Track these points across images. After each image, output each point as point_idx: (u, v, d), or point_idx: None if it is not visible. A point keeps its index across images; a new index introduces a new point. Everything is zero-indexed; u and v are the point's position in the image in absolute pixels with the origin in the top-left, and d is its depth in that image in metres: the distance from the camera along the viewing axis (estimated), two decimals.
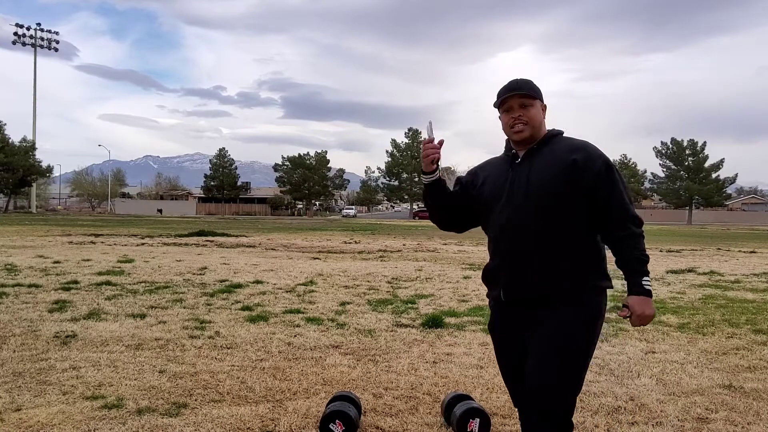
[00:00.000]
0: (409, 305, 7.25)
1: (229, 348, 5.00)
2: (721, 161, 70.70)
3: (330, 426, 3.18)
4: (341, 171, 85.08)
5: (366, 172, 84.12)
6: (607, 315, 5.86)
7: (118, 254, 13.34)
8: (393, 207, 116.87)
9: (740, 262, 14.56)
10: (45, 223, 32.23)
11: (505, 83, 2.36)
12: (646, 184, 76.90)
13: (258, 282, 9.05)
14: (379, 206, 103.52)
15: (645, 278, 2.18)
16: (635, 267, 2.18)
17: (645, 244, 2.23)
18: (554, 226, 2.21)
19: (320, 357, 4.79)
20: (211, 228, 26.94)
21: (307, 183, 79.25)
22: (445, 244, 19.37)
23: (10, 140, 62.11)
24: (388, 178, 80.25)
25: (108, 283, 8.55)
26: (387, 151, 79.84)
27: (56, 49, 75.96)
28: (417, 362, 4.70)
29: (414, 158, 78.14)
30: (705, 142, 70.47)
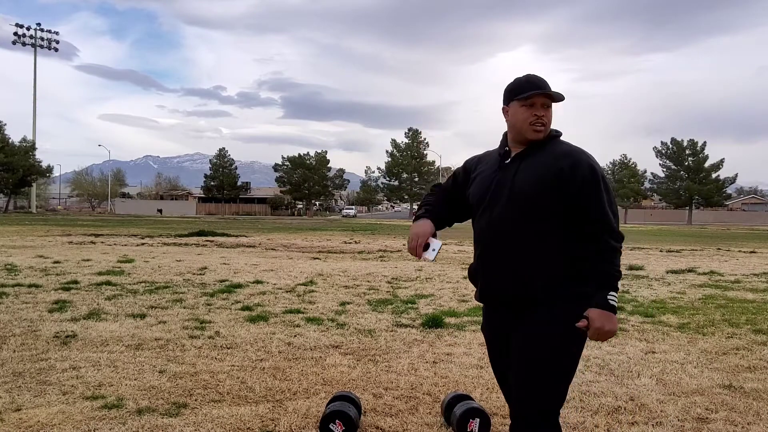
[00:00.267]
0: (409, 305, 7.25)
1: (229, 348, 5.00)
2: (721, 161, 70.77)
3: (330, 426, 3.18)
4: (341, 171, 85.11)
5: (366, 172, 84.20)
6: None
7: (118, 254, 13.34)
8: (393, 207, 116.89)
9: (740, 262, 14.56)
10: (45, 223, 32.24)
11: (530, 76, 2.29)
12: (646, 184, 76.90)
13: (258, 282, 9.05)
14: (379, 206, 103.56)
15: (612, 293, 2.12)
16: (604, 281, 2.12)
17: (620, 260, 2.17)
18: (534, 232, 2.17)
19: (320, 357, 4.79)
20: (211, 228, 26.94)
21: (307, 183, 79.27)
22: (445, 244, 19.38)
23: (10, 140, 62.13)
24: (388, 178, 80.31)
25: (108, 283, 8.54)
26: (387, 151, 79.95)
27: (56, 49, 75.99)
28: (417, 362, 4.70)
29: (414, 158, 78.20)
30: (705, 142, 70.58)
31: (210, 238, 20.99)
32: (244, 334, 5.52)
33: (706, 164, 70.17)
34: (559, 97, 2.26)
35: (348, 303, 7.34)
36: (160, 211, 76.39)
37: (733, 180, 72.25)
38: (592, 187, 2.15)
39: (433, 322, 6.04)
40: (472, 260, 2.40)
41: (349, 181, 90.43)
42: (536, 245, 2.17)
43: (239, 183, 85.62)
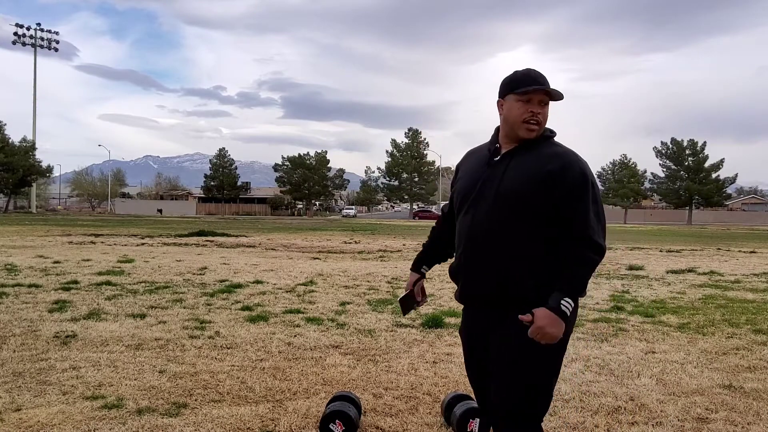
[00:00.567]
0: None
1: (229, 348, 5.00)
2: (721, 161, 70.74)
3: (330, 426, 3.18)
4: (341, 171, 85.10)
5: (366, 172, 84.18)
6: (606, 315, 5.80)
7: (118, 254, 13.34)
8: (393, 207, 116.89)
9: (740, 262, 14.56)
10: (45, 223, 32.24)
11: (529, 70, 2.22)
12: (646, 184, 76.88)
13: (258, 282, 9.05)
14: (379, 206, 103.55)
15: (567, 299, 2.05)
16: (566, 286, 2.06)
17: (592, 272, 2.11)
18: (519, 233, 2.12)
19: (320, 357, 4.79)
20: (211, 228, 26.93)
21: (307, 183, 79.25)
22: None
23: (10, 140, 62.12)
24: (388, 178, 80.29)
25: (108, 283, 8.54)
26: (387, 151, 79.92)
27: (56, 49, 75.98)
28: (417, 362, 4.70)
29: (414, 158, 78.18)
30: (705, 142, 70.55)
31: (210, 238, 20.99)
32: (244, 334, 5.52)
33: (706, 164, 70.15)
34: (558, 96, 2.19)
35: (348, 303, 7.34)
36: (160, 211, 76.38)
37: (733, 180, 72.23)
38: (579, 194, 2.09)
39: (433, 322, 6.05)
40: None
41: (349, 181, 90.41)
42: (521, 246, 2.12)
43: (239, 183, 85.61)
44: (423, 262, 2.58)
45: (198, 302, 7.16)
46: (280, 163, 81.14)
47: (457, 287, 2.36)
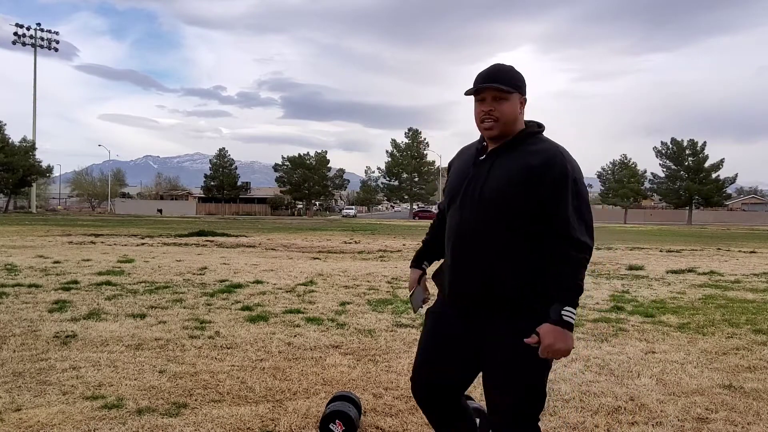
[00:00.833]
0: (409, 305, 7.24)
1: (229, 348, 5.00)
2: (721, 161, 70.75)
3: (330, 426, 3.18)
4: (341, 171, 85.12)
5: (366, 172, 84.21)
6: (606, 315, 5.80)
7: (118, 254, 13.34)
8: (393, 207, 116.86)
9: (740, 262, 14.56)
10: (45, 223, 32.23)
11: (487, 69, 2.19)
12: (646, 184, 76.88)
13: (258, 282, 9.05)
14: (379, 206, 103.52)
15: (567, 308, 1.99)
16: (561, 294, 2.00)
17: (583, 272, 2.04)
18: (503, 233, 2.09)
19: (320, 357, 4.79)
20: (211, 228, 26.93)
21: (307, 183, 79.27)
22: None
23: (10, 140, 62.12)
24: (388, 178, 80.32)
25: (108, 283, 8.54)
26: (387, 151, 79.95)
27: (56, 49, 76.00)
28: None
29: (414, 158, 78.19)
30: (705, 142, 70.57)
31: (210, 238, 20.98)
32: (244, 334, 5.52)
33: (706, 164, 70.17)
34: (507, 86, 2.12)
35: (348, 303, 7.33)
36: (160, 211, 76.38)
37: (733, 180, 72.24)
38: (559, 190, 2.04)
39: None
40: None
41: (349, 181, 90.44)
42: (506, 245, 2.09)
43: (239, 183, 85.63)
44: (424, 258, 2.56)
45: (198, 302, 7.16)
46: (280, 163, 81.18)
47: (439, 288, 2.33)
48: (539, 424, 2.21)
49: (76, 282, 8.54)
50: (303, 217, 73.51)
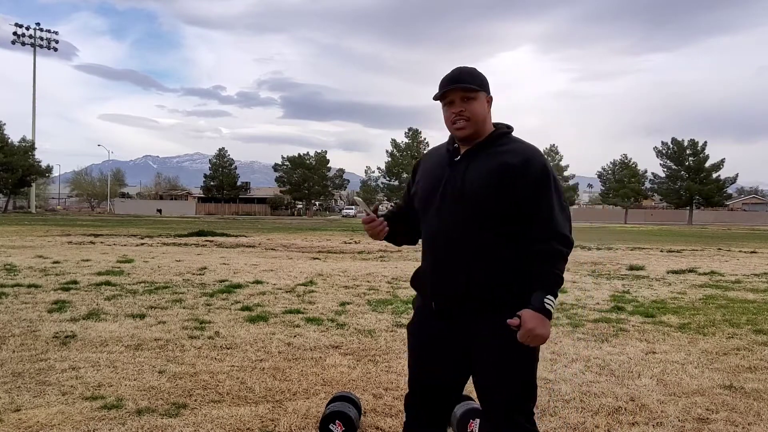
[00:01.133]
0: (409, 305, 7.23)
1: (228, 348, 4.99)
2: (722, 161, 70.73)
3: (330, 426, 3.17)
4: (341, 171, 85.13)
5: (366, 172, 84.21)
6: (606, 315, 5.79)
7: (117, 254, 13.33)
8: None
9: (741, 262, 14.55)
10: (44, 223, 32.23)
11: (450, 72, 2.18)
12: (647, 184, 76.86)
13: (258, 282, 9.04)
14: (381, 206, 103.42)
15: (549, 297, 2.04)
16: (544, 284, 2.05)
17: (565, 264, 2.10)
18: (487, 235, 2.09)
19: (320, 357, 4.79)
20: (211, 228, 26.92)
21: (307, 183, 79.28)
22: None
23: (9, 140, 62.14)
24: (388, 178, 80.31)
25: (107, 283, 8.53)
26: (387, 151, 79.95)
27: (56, 49, 76.07)
28: None
29: (414, 158, 78.20)
30: (705, 142, 70.56)
31: (209, 238, 20.98)
32: (243, 334, 5.51)
33: (707, 164, 70.15)
34: (474, 87, 2.14)
35: (348, 303, 7.33)
36: (159, 211, 76.38)
37: (733, 180, 72.24)
38: (542, 187, 2.08)
39: None
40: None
41: (349, 181, 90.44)
42: (487, 246, 2.10)
43: (239, 183, 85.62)
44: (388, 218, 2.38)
45: (197, 302, 7.16)
46: (280, 163, 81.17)
47: (422, 294, 2.28)
48: (535, 419, 2.22)
49: (75, 282, 8.53)
50: (303, 217, 73.53)
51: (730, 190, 77.43)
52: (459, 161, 2.18)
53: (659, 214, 78.78)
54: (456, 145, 2.23)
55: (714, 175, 70.12)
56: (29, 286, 8.11)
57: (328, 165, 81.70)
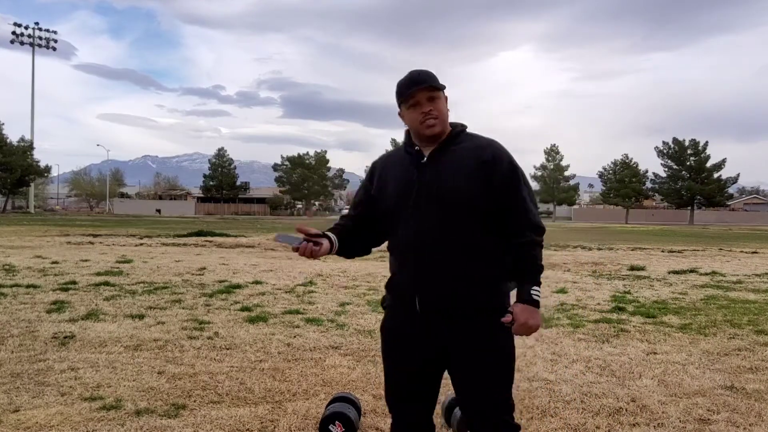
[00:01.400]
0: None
1: (228, 349, 4.98)
2: (723, 161, 70.70)
3: (329, 427, 3.16)
4: (341, 171, 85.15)
5: (366, 172, 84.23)
6: (607, 315, 5.78)
7: (116, 254, 13.32)
8: None
9: (742, 262, 14.54)
10: (43, 223, 32.21)
11: (410, 74, 2.20)
12: (648, 184, 76.83)
13: (257, 282, 9.03)
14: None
15: (535, 288, 2.10)
16: (528, 276, 2.11)
17: (542, 253, 2.15)
18: (470, 232, 2.11)
19: (320, 358, 4.77)
20: (210, 228, 26.90)
21: (307, 183, 79.28)
22: None
23: (8, 140, 62.08)
24: None
25: (106, 283, 8.52)
26: (387, 151, 80.00)
27: (54, 49, 76.03)
28: None
29: None
30: (707, 142, 70.55)
31: (209, 238, 20.97)
32: (243, 334, 5.50)
33: (708, 164, 70.13)
34: (439, 86, 2.17)
35: (348, 303, 7.32)
36: (158, 211, 76.37)
37: (735, 180, 72.22)
38: (513, 180, 2.14)
39: None
40: None
41: (348, 180, 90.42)
42: (475, 244, 2.12)
43: (238, 183, 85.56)
44: (336, 234, 2.28)
45: (197, 303, 7.14)
46: (280, 162, 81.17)
47: (394, 299, 2.24)
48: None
49: (74, 282, 8.52)
50: (302, 217, 73.52)
51: (732, 190, 77.41)
52: (428, 162, 2.17)
53: (660, 214, 78.78)
54: (417, 147, 2.22)
55: (715, 175, 70.11)
56: (28, 286, 8.10)
57: (328, 165, 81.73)
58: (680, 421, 3.49)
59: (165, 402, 3.66)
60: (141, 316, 6.19)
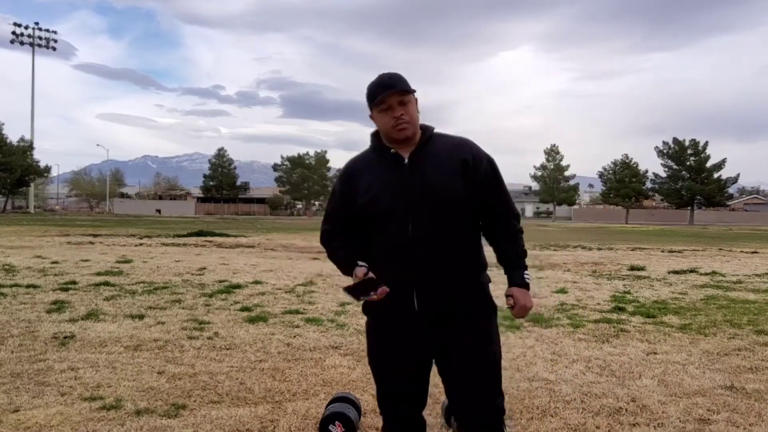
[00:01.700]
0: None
1: (228, 349, 4.98)
2: (723, 161, 70.64)
3: (329, 427, 3.16)
4: (341, 171, 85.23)
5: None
6: (607, 315, 5.79)
7: (116, 254, 13.32)
8: None
9: (742, 262, 14.53)
10: (43, 223, 32.21)
11: (380, 77, 2.20)
12: (648, 184, 76.78)
13: (257, 282, 9.03)
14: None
15: (526, 272, 2.26)
16: (518, 262, 2.27)
17: (523, 237, 2.32)
18: (458, 229, 2.17)
19: (320, 358, 4.77)
20: (210, 228, 26.91)
21: (307, 183, 79.30)
22: None
23: (8, 140, 62.07)
24: None
25: (106, 283, 8.52)
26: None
27: (54, 48, 76.04)
28: None
29: None
30: (707, 142, 70.48)
31: (209, 238, 20.96)
32: (243, 334, 5.50)
33: (708, 164, 70.07)
34: (410, 90, 2.20)
35: (348, 303, 7.30)
36: (158, 211, 76.36)
37: (735, 180, 72.16)
38: (494, 177, 2.25)
39: None
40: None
41: None
42: (464, 245, 2.20)
43: (238, 183, 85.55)
44: (359, 259, 2.25)
45: (197, 303, 7.14)
46: (280, 162, 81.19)
47: (382, 301, 2.13)
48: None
49: (74, 282, 8.52)
50: (302, 217, 73.52)
51: (732, 190, 77.36)
52: (410, 164, 2.18)
53: (660, 214, 78.74)
54: (393, 150, 2.22)
55: (715, 175, 70.06)
56: (28, 286, 8.10)
57: (328, 165, 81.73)
58: (680, 421, 3.49)
59: (165, 402, 3.66)
60: (141, 316, 6.19)
